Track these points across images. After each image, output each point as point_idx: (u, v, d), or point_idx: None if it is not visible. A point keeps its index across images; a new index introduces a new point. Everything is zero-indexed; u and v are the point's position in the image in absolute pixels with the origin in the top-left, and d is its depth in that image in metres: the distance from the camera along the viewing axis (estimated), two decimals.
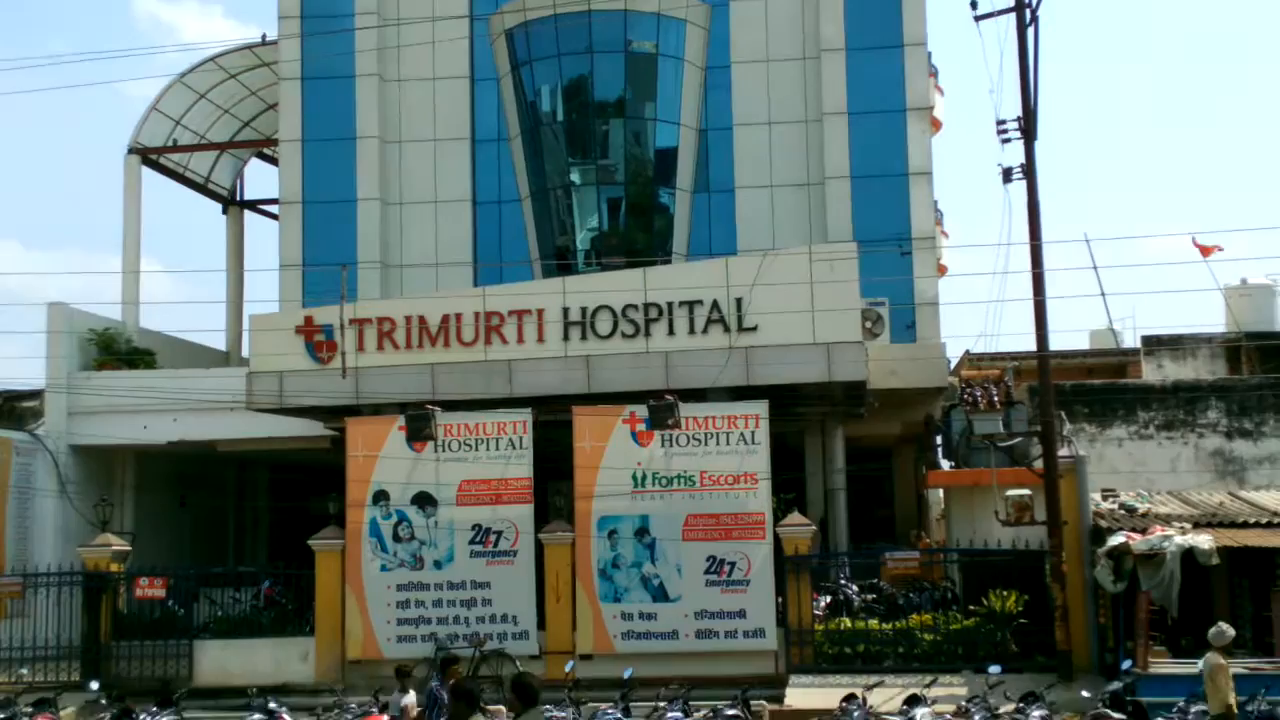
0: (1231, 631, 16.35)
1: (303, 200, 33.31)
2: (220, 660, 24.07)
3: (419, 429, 23.40)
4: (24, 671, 22.40)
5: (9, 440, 28.96)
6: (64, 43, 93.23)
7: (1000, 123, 22.33)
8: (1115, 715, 16.53)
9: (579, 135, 32.86)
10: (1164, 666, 19.20)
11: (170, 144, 35.99)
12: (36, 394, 31.98)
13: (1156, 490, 24.45)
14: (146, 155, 35.32)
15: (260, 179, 48.94)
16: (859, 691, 17.83)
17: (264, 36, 34.78)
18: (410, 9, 33.50)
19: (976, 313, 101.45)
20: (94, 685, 20.89)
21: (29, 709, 18.96)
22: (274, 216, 36.79)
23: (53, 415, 30.24)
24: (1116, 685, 18.31)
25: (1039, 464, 22.21)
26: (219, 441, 30.46)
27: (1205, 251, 28.80)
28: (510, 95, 33.10)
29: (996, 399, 26.83)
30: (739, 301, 23.89)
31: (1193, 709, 16.50)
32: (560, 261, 32.33)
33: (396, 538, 24.13)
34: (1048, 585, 21.96)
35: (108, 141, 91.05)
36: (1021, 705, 17.11)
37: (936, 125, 35.24)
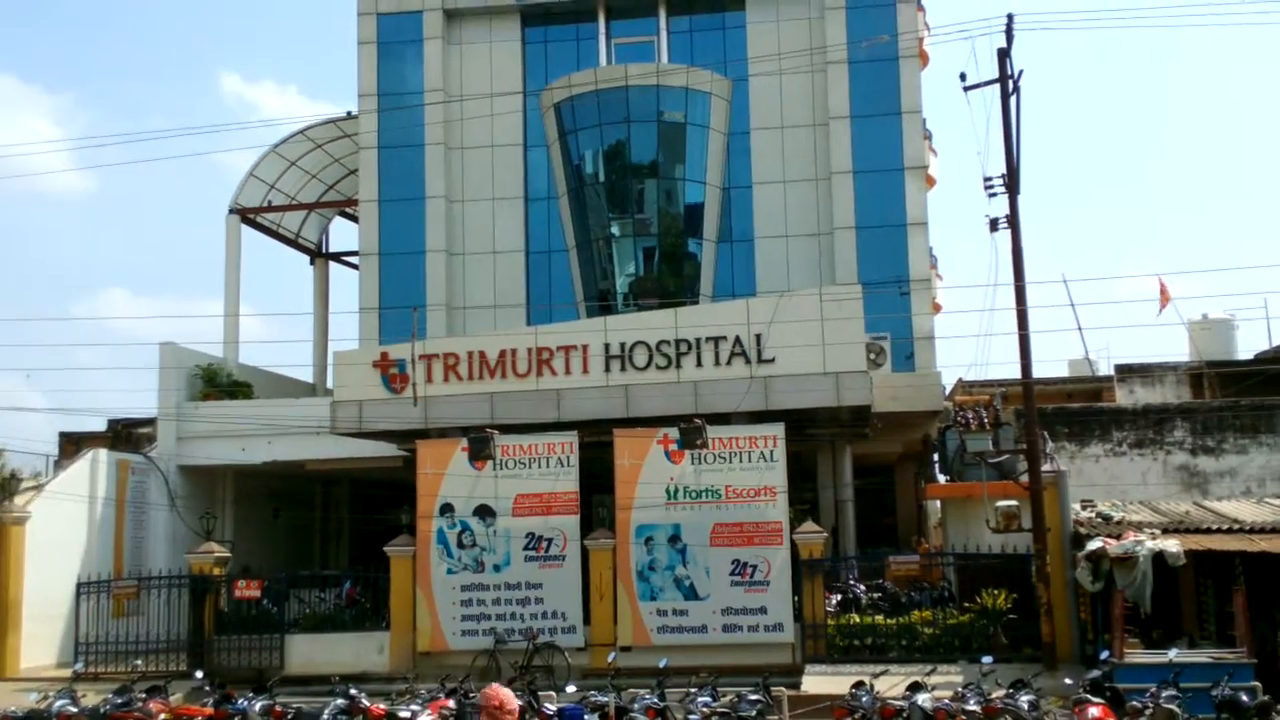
0: None
1: (379, 252, 33.61)
2: (308, 652, 24.12)
3: (480, 449, 23.51)
4: (139, 662, 22.50)
5: (127, 461, 29.26)
6: (162, 119, 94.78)
7: (987, 179, 22.28)
8: (1095, 700, 16.32)
9: (618, 194, 33.01)
10: (1138, 656, 18.93)
11: (265, 205, 36.44)
12: (150, 422, 32.28)
13: (1129, 501, 24.19)
14: (245, 215, 35.76)
15: (343, 234, 49.13)
16: (867, 679, 17.71)
17: (349, 113, 35.14)
18: (472, 86, 33.91)
19: (968, 345, 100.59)
20: (199, 674, 20.98)
21: (143, 695, 19.09)
22: (354, 266, 37.09)
23: (164, 440, 30.57)
24: (1096, 673, 18.12)
25: (1025, 478, 22.06)
26: (307, 461, 30.66)
27: (1164, 299, 28.77)
28: (558, 159, 33.34)
29: (986, 421, 26.61)
30: (758, 337, 23.92)
31: (1163, 694, 16.31)
32: (602, 303, 32.40)
33: (460, 544, 24.19)
34: (1034, 585, 21.75)
35: (195, 204, 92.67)
36: (1011, 691, 16.93)
37: (931, 182, 35.17)
